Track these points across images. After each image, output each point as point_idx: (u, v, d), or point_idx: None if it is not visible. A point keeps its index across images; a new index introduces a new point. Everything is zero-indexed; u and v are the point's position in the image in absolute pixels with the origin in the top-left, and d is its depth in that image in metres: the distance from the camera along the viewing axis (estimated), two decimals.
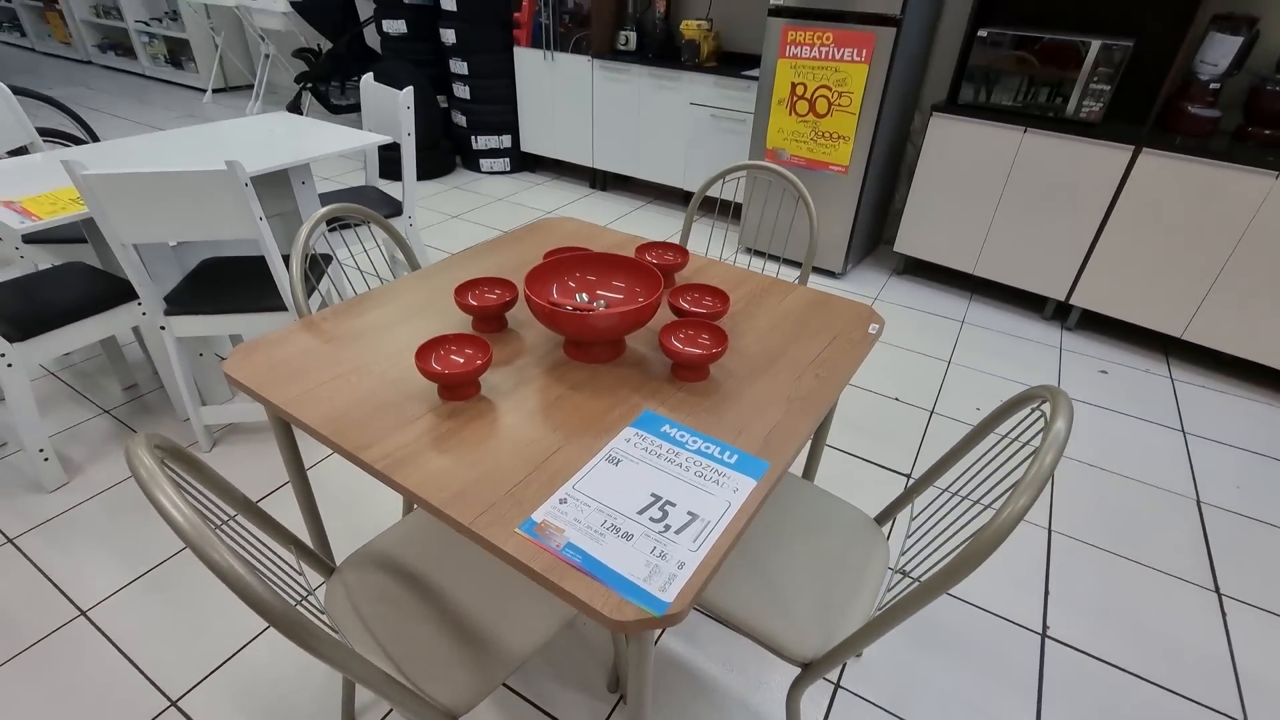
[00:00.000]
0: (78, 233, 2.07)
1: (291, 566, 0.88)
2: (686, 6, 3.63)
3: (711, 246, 3.33)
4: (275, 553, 0.81)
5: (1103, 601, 1.55)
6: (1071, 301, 2.61)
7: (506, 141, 4.16)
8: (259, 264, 1.92)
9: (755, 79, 3.06)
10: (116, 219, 1.50)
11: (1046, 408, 0.82)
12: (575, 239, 1.48)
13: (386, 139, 2.20)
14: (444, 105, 4.22)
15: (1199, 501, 1.86)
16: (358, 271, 2.39)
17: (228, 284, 1.82)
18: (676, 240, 2.86)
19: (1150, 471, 1.96)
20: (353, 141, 2.10)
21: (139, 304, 1.78)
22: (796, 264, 3.15)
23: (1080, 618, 1.51)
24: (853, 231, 2.90)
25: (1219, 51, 2.23)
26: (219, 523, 0.69)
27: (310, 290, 1.80)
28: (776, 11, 2.67)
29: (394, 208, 2.42)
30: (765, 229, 3.14)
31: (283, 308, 1.74)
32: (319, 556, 1.06)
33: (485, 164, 4.22)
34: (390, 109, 2.30)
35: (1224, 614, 1.53)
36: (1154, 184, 2.29)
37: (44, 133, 2.38)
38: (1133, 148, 2.29)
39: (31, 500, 1.71)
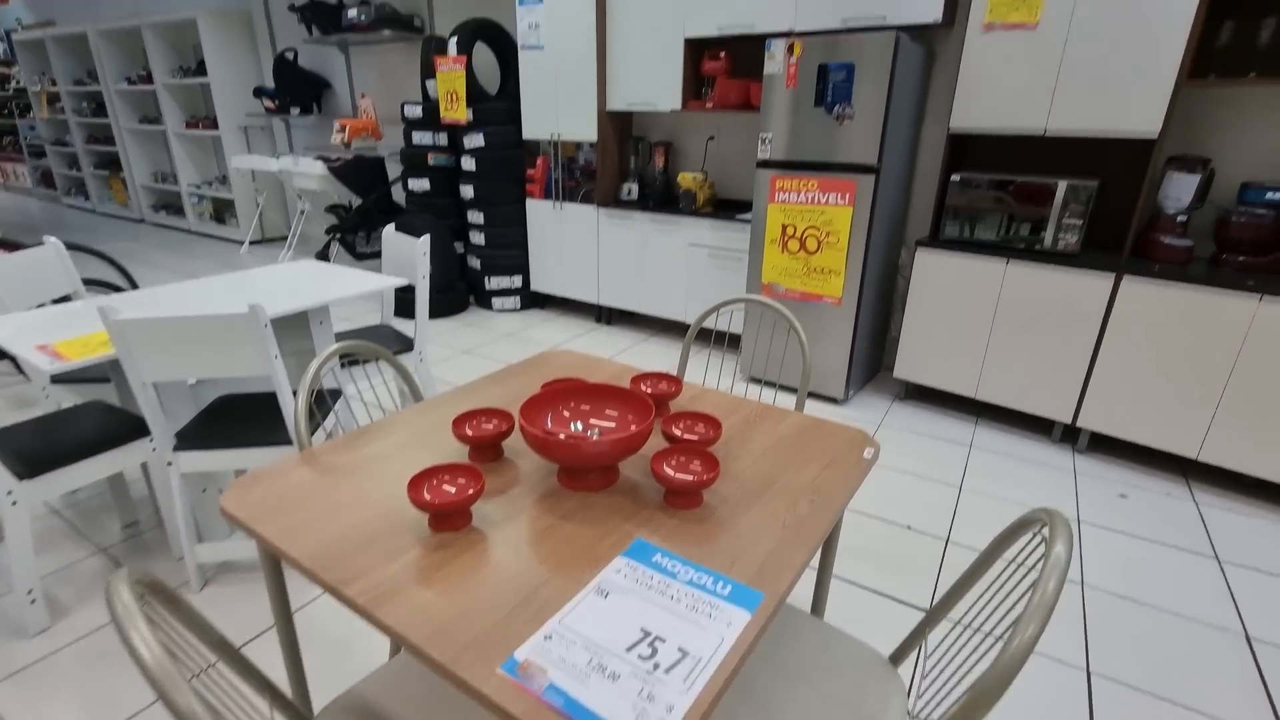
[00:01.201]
0: (103, 373, 2.16)
1: (264, 717, 0.82)
2: (683, 161, 3.99)
3: (712, 377, 3.40)
4: (249, 701, 0.76)
5: None
6: (1078, 424, 2.59)
7: (517, 281, 4.41)
8: (272, 400, 1.98)
9: (748, 221, 3.29)
10: (141, 359, 1.58)
11: (1047, 531, 0.80)
12: (574, 371, 1.53)
13: (402, 281, 2.34)
14: (460, 251, 4.53)
15: (1248, 637, 1.72)
16: (363, 405, 2.47)
17: (238, 420, 1.86)
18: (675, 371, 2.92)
19: (1188, 604, 1.84)
20: (370, 285, 2.25)
21: (150, 440, 1.82)
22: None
23: None
24: (851, 359, 2.96)
25: (1180, 188, 2.40)
26: (193, 668, 0.67)
27: (315, 426, 1.84)
28: (765, 164, 2.93)
29: (406, 344, 2.52)
30: (763, 358, 3.22)
31: (288, 442, 1.77)
32: (295, 707, 1.00)
33: (497, 302, 4.45)
34: (408, 255, 2.48)
35: None
36: (1140, 309, 2.36)
37: (89, 282, 2.57)
38: (1113, 275, 2.39)
39: (10, 647, 1.64)
